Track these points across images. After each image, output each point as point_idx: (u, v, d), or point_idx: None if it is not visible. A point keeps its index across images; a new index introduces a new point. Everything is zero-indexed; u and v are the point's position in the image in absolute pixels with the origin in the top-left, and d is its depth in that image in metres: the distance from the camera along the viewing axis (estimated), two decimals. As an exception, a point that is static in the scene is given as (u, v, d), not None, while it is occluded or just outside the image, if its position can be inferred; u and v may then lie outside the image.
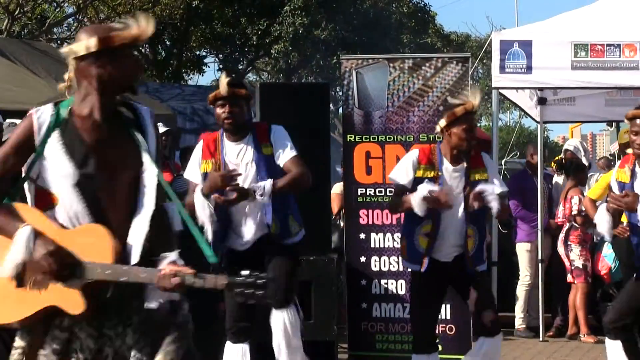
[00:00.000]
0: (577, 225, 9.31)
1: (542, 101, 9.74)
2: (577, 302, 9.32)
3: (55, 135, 3.41)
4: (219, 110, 5.86)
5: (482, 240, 6.01)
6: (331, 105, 17.35)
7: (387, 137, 7.68)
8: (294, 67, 27.06)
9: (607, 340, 6.13)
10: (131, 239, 3.38)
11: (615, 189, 6.03)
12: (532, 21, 32.13)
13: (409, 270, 6.19)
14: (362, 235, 7.73)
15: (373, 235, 7.71)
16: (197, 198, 5.60)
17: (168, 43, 25.68)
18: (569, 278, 9.41)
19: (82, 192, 3.38)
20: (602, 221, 6.05)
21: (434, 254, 5.88)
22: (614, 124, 17.51)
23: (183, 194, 5.82)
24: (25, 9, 21.15)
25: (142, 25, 3.40)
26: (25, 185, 3.48)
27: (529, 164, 10.09)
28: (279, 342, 5.81)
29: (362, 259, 7.71)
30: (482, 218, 6.04)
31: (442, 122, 5.92)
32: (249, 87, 6.35)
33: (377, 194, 7.69)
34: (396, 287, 7.67)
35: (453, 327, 7.59)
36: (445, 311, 7.44)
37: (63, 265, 3.31)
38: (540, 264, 9.47)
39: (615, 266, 9.05)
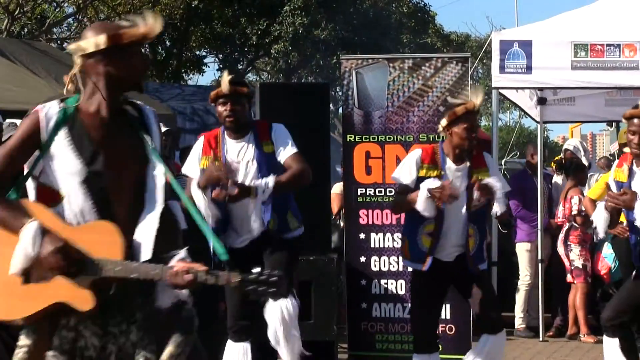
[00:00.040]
0: (577, 225, 9.31)
1: (542, 101, 9.73)
2: (577, 302, 9.32)
3: (63, 132, 3.39)
4: (220, 108, 5.86)
5: (483, 239, 6.01)
6: (331, 105, 17.30)
7: (387, 137, 7.68)
8: (293, 67, 27.06)
9: (604, 337, 6.14)
10: (138, 236, 3.36)
11: (614, 188, 6.03)
12: (532, 21, 32.21)
13: (409, 270, 6.20)
14: (362, 235, 7.73)
15: (373, 235, 7.71)
16: (194, 191, 5.58)
17: (168, 43, 25.66)
18: (569, 278, 9.41)
19: (89, 189, 3.36)
20: (598, 218, 6.05)
21: (436, 253, 5.88)
22: (613, 124, 17.46)
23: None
24: (25, 9, 21.16)
25: (150, 23, 3.41)
26: (27, 182, 3.45)
27: (529, 164, 10.08)
28: (276, 331, 5.75)
29: (362, 259, 7.71)
30: (483, 217, 6.05)
31: (444, 122, 5.94)
32: (250, 86, 6.35)
33: (377, 194, 7.69)
34: (396, 287, 7.67)
35: (453, 327, 7.59)
36: (445, 311, 7.43)
37: (71, 262, 3.28)
38: (540, 264, 9.47)
39: (615, 266, 9.04)
